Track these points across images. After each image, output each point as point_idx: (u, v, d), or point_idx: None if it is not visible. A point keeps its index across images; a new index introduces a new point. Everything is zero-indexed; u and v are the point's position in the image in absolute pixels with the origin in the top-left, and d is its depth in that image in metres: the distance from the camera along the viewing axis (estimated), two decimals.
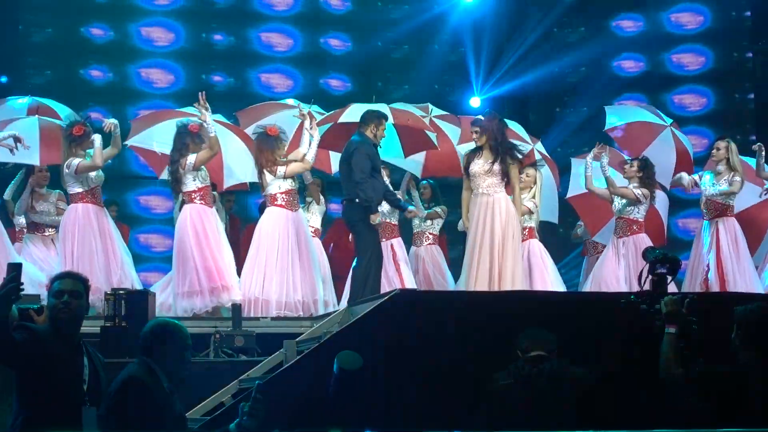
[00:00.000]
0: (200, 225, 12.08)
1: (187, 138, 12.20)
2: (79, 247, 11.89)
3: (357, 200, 11.31)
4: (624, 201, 13.08)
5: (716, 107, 20.05)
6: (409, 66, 20.73)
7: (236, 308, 10.38)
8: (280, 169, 12.36)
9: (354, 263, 11.72)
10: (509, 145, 11.44)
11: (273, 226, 12.32)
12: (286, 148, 12.66)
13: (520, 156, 11.46)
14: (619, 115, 14.56)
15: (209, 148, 12.08)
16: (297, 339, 9.52)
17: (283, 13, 20.36)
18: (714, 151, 13.31)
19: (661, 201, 13.85)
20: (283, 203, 12.41)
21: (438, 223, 14.15)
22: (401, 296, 8.84)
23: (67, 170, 11.98)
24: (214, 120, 12.48)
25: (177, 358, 6.32)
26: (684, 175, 13.40)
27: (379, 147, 11.76)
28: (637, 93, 20.00)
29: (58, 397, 6.04)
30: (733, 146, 13.19)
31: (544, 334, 7.59)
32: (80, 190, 12.07)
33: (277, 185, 12.40)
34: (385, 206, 12.57)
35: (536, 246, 13.21)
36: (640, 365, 7.65)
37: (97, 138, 12.06)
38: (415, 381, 8.35)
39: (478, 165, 11.31)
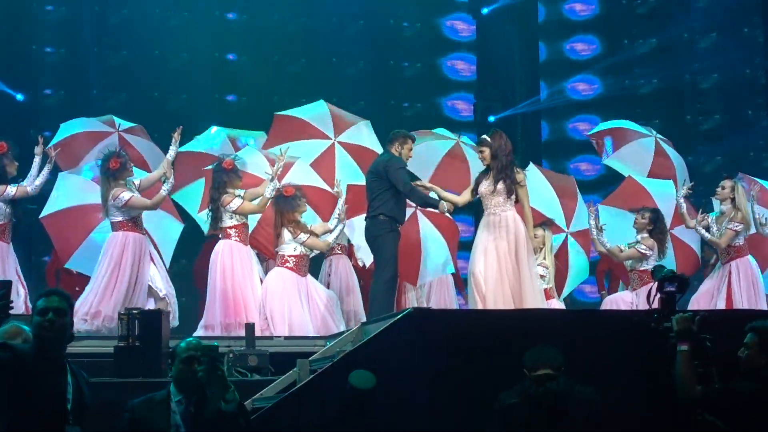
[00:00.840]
0: (229, 262, 12.25)
1: (224, 175, 12.28)
2: (109, 276, 11.98)
3: (381, 216, 11.46)
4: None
5: None
6: None
7: (249, 327, 10.39)
8: (303, 236, 12.47)
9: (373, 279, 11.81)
10: (506, 162, 11.35)
11: (282, 289, 12.40)
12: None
13: (517, 176, 11.36)
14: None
15: (259, 207, 12.41)
16: (310, 358, 9.50)
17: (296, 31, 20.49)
18: (719, 189, 13.23)
19: (690, 232, 13.69)
20: (294, 267, 12.51)
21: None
22: (415, 315, 8.84)
23: (113, 202, 12.07)
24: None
25: None
26: (686, 214, 13.26)
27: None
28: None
29: (42, 417, 6.01)
30: (740, 187, 13.15)
31: (550, 353, 7.52)
32: (121, 218, 12.17)
33: (292, 247, 12.48)
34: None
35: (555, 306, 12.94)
36: (649, 384, 7.65)
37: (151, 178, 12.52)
38: (426, 400, 8.35)
39: (485, 186, 11.33)
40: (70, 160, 13.84)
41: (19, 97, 18.77)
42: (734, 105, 20.34)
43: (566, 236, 13.75)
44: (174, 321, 12.10)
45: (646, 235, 13.08)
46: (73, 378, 6.22)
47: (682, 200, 13.21)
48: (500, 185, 11.23)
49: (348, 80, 20.34)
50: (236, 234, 12.34)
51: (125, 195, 12.02)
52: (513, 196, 11.27)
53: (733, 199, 13.02)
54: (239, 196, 12.45)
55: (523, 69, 20.46)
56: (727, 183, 13.16)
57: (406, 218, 12.55)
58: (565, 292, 13.83)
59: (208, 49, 20.08)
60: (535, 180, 13.68)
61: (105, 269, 12.00)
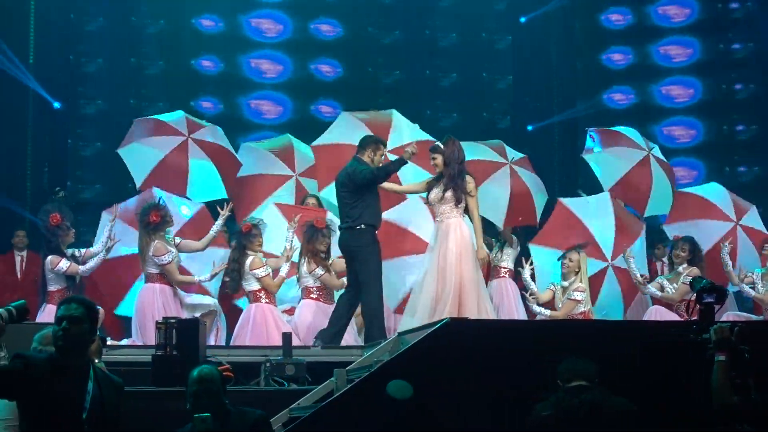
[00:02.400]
0: (264, 328, 12.17)
1: (243, 239, 12.35)
2: (145, 326, 12.12)
3: (362, 226, 11.45)
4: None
5: None
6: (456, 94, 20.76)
7: (286, 337, 10.41)
8: (320, 270, 12.50)
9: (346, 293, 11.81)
10: (457, 170, 11.38)
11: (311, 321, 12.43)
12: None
13: (468, 185, 11.39)
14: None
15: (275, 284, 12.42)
16: (348, 368, 9.50)
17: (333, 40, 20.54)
18: (681, 252, 13.21)
19: None
20: (319, 297, 12.58)
21: None
22: (452, 325, 8.83)
23: (154, 257, 12.31)
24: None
25: None
26: (731, 271, 13.24)
27: None
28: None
29: (55, 425, 5.98)
30: None
31: (584, 364, 7.49)
32: (156, 271, 12.39)
33: (313, 279, 12.51)
34: None
35: None
36: (686, 396, 7.61)
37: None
38: (462, 410, 8.34)
39: (434, 193, 11.39)
40: (174, 185, 14.02)
41: (57, 105, 18.89)
42: None
43: (607, 266, 13.51)
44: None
45: (686, 265, 13.03)
46: (96, 386, 6.15)
47: (726, 257, 13.28)
48: (449, 193, 11.28)
49: (385, 90, 20.39)
50: (265, 296, 12.40)
51: (166, 257, 12.31)
52: (462, 205, 11.28)
53: None
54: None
55: (560, 78, 20.45)
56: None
57: None
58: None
59: (234, 57, 20.19)
60: (600, 205, 13.70)
61: (138, 325, 12.27)
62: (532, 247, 13.73)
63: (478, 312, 10.90)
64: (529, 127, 20.17)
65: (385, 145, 12.11)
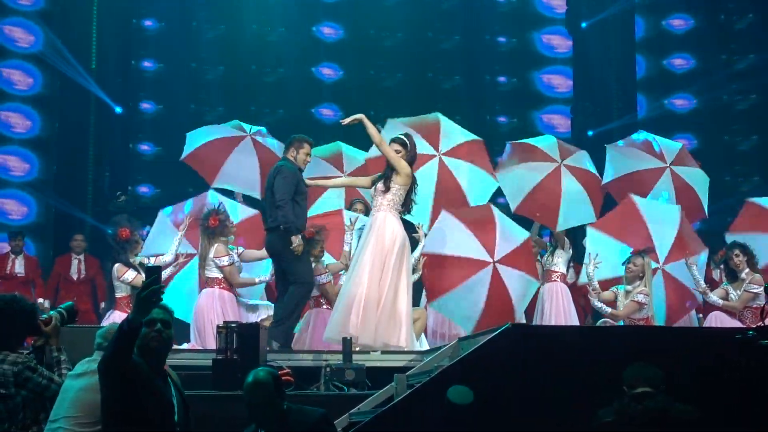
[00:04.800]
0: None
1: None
2: (204, 330, 12.28)
3: (281, 227, 11.45)
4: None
5: None
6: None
7: (347, 342, 10.39)
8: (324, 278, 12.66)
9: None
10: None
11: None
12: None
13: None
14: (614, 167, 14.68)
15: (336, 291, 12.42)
16: (408, 373, 9.48)
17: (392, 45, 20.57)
18: (735, 258, 13.10)
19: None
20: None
21: None
22: (513, 330, 8.78)
23: (216, 260, 12.47)
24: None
25: None
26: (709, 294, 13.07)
27: (302, 171, 11.85)
28: None
29: (151, 427, 5.98)
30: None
31: (650, 370, 7.40)
32: (216, 275, 12.51)
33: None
34: None
35: None
36: (753, 404, 7.51)
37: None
38: (523, 416, 8.28)
39: (379, 185, 11.53)
40: (210, 169, 14.33)
41: (118, 109, 19.04)
42: None
43: (658, 269, 13.25)
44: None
45: (748, 270, 12.89)
46: (176, 389, 6.23)
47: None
48: (380, 184, 11.42)
49: (444, 94, 20.39)
50: (325, 303, 12.59)
51: (226, 259, 12.48)
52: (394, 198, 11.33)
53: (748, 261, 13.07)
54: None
55: (620, 83, 20.35)
56: (738, 251, 13.07)
57: None
58: None
59: (300, 63, 20.26)
60: (669, 215, 13.61)
61: (197, 329, 12.38)
62: (589, 230, 13.66)
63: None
64: (590, 132, 20.07)
65: (310, 143, 12.03)
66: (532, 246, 13.32)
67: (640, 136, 15.49)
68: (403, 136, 11.66)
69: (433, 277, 12.70)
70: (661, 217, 13.49)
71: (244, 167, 14.35)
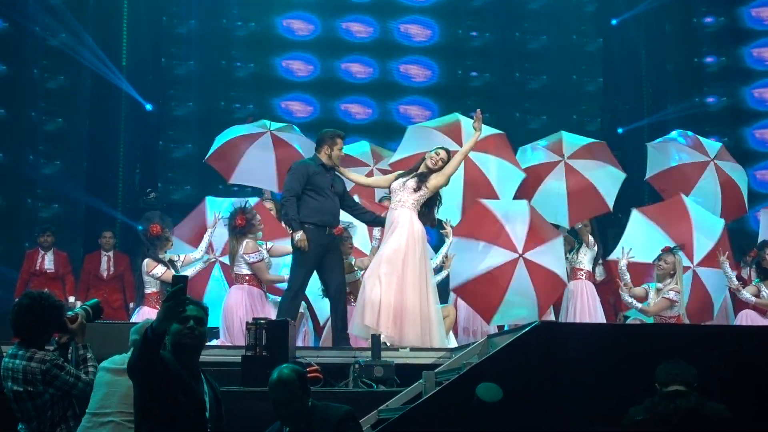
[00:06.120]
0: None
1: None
2: (233, 327, 12.32)
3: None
4: None
5: None
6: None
7: (375, 339, 10.38)
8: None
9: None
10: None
11: None
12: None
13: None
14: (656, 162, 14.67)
15: None
16: (436, 370, 9.46)
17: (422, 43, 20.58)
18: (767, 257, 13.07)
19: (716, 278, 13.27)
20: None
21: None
22: (542, 328, 8.75)
23: (246, 256, 12.49)
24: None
25: None
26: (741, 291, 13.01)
27: (336, 168, 11.78)
28: None
29: (183, 424, 5.94)
30: None
31: (683, 368, 7.37)
32: (246, 272, 12.55)
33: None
34: None
35: None
36: None
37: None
38: (553, 413, 8.25)
39: (400, 182, 11.51)
40: (227, 166, 14.44)
41: (148, 107, 19.09)
42: None
43: (691, 269, 13.09)
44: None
45: None
46: (209, 387, 6.18)
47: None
48: (412, 182, 11.32)
49: (475, 91, 20.39)
50: (353, 299, 12.40)
51: (255, 256, 12.49)
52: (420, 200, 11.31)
53: None
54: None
55: (650, 81, 20.27)
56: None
57: None
58: None
59: (328, 61, 20.30)
60: (712, 222, 13.57)
61: (226, 326, 12.41)
62: (634, 213, 13.65)
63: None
64: (620, 130, 20.00)
65: (342, 137, 11.91)
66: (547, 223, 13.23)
67: (678, 133, 15.42)
68: (446, 148, 11.68)
69: (479, 301, 12.69)
70: (707, 223, 13.37)
71: (261, 162, 14.42)
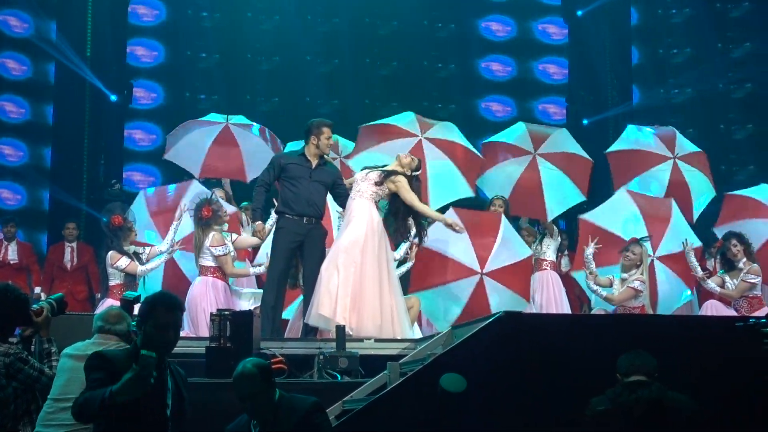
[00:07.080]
0: None
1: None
2: (197, 318, 12.29)
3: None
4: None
5: None
6: None
7: (340, 329, 10.38)
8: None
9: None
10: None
11: None
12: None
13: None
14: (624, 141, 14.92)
15: None
16: (401, 361, 9.47)
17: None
18: (732, 248, 13.10)
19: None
20: None
21: None
22: (506, 319, 8.76)
23: (212, 248, 12.48)
24: None
25: None
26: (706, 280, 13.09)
27: (326, 155, 11.81)
28: None
29: (141, 423, 5.79)
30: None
31: (644, 358, 7.41)
32: (210, 264, 12.54)
33: None
34: None
35: None
36: (753, 394, 7.49)
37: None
38: (516, 404, 8.28)
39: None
40: (193, 164, 14.69)
41: (113, 98, 19.03)
42: None
43: (651, 260, 13.17)
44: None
45: (745, 260, 12.89)
46: (173, 382, 6.03)
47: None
48: (374, 174, 11.41)
49: (439, 83, 20.42)
50: None
51: (222, 249, 12.48)
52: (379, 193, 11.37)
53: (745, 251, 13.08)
54: None
55: (615, 72, 20.34)
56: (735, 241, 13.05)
57: None
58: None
59: (358, 57, 20.26)
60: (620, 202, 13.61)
61: (191, 317, 12.34)
62: (621, 192, 13.87)
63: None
64: (585, 121, 20.06)
65: (329, 125, 11.85)
66: (531, 262, 13.16)
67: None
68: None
69: (421, 269, 12.66)
70: (683, 232, 13.37)
71: (195, 147, 14.59)
